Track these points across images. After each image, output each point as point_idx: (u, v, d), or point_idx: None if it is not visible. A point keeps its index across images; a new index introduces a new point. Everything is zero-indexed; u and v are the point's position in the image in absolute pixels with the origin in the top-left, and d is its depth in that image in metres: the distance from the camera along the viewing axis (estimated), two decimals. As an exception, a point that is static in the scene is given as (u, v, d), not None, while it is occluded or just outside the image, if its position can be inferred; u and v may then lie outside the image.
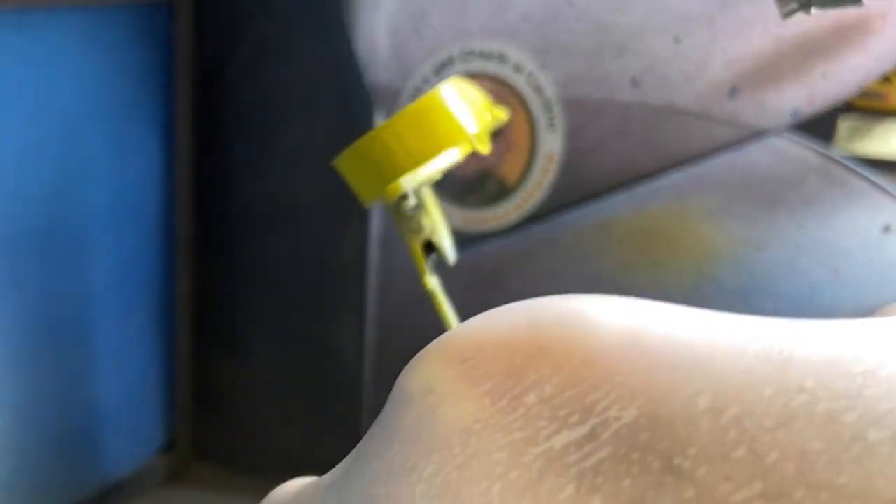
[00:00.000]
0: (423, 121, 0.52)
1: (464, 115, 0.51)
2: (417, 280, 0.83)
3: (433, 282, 0.51)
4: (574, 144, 0.75)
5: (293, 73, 0.81)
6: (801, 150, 0.71)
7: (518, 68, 0.74)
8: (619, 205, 0.75)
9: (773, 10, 0.69)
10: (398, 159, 0.51)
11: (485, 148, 0.52)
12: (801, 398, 0.17)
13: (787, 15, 0.31)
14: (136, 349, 0.84)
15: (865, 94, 0.87)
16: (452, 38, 0.76)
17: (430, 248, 0.52)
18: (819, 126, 0.73)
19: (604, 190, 0.75)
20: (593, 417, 0.19)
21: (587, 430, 0.19)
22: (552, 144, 0.75)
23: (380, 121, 0.79)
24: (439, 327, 0.83)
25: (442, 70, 0.76)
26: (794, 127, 0.71)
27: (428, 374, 0.23)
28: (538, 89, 0.74)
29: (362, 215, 0.81)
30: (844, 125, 1.01)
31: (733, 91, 0.71)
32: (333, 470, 0.24)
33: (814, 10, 0.29)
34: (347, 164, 0.54)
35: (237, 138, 0.85)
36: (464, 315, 0.83)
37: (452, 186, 0.78)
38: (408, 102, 0.78)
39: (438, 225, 0.52)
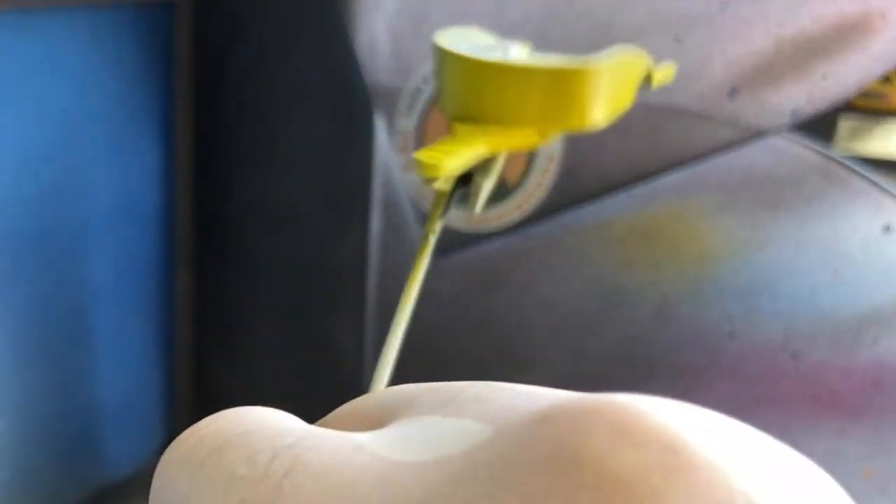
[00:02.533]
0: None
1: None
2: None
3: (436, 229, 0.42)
4: (574, 145, 0.75)
5: (293, 74, 0.81)
6: (801, 151, 0.71)
7: (518, 68, 0.75)
8: (619, 205, 0.75)
9: (774, 11, 0.69)
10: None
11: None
12: None
13: None
14: (135, 349, 0.84)
15: (866, 94, 0.87)
16: (453, 39, 0.76)
17: (463, 181, 0.44)
18: (819, 126, 0.73)
19: (604, 190, 0.75)
20: None
21: None
22: (552, 145, 0.75)
23: (380, 122, 0.79)
24: (439, 326, 0.83)
25: (442, 70, 0.76)
26: (795, 127, 0.71)
27: None
28: (538, 89, 0.74)
29: (362, 215, 0.81)
30: (845, 125, 1.01)
31: (733, 91, 0.71)
32: None
33: None
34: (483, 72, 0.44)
35: (237, 139, 0.85)
36: (461, 316, 0.83)
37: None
38: (411, 103, 0.78)
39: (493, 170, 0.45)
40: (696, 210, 0.73)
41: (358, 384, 0.84)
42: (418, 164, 0.42)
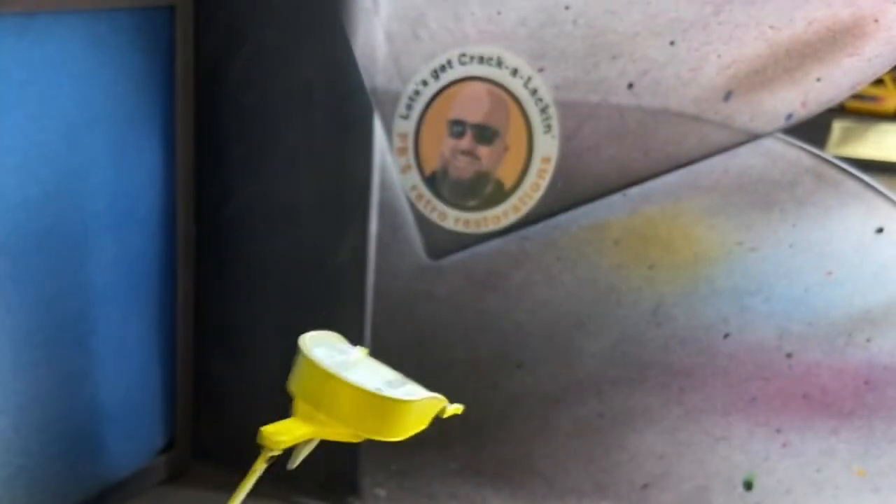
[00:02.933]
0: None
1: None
2: (415, 280, 0.84)
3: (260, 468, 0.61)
4: (570, 147, 0.75)
5: (292, 77, 0.81)
6: (794, 153, 0.72)
7: (515, 72, 0.75)
8: (614, 206, 0.75)
9: (768, 15, 0.69)
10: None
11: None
12: None
13: None
14: (136, 350, 0.85)
15: (859, 96, 0.88)
16: (450, 43, 0.76)
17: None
18: (813, 129, 0.74)
19: (599, 192, 0.76)
20: None
21: None
22: (548, 147, 0.76)
23: (379, 124, 0.79)
24: (436, 327, 0.84)
25: (440, 73, 0.77)
26: (788, 130, 0.72)
27: None
28: (534, 93, 0.75)
29: (361, 217, 0.81)
30: (838, 128, 1.02)
31: (728, 94, 0.71)
32: None
33: None
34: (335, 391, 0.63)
35: (237, 141, 0.85)
36: (457, 316, 0.83)
37: (450, 188, 0.79)
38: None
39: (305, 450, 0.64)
40: (691, 212, 0.74)
41: (356, 384, 0.84)
42: (262, 436, 0.61)
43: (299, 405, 0.64)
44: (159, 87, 0.81)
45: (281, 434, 0.62)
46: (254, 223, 0.86)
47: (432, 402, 0.65)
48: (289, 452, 0.64)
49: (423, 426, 0.65)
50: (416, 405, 0.63)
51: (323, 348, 0.65)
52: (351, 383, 0.61)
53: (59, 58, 0.72)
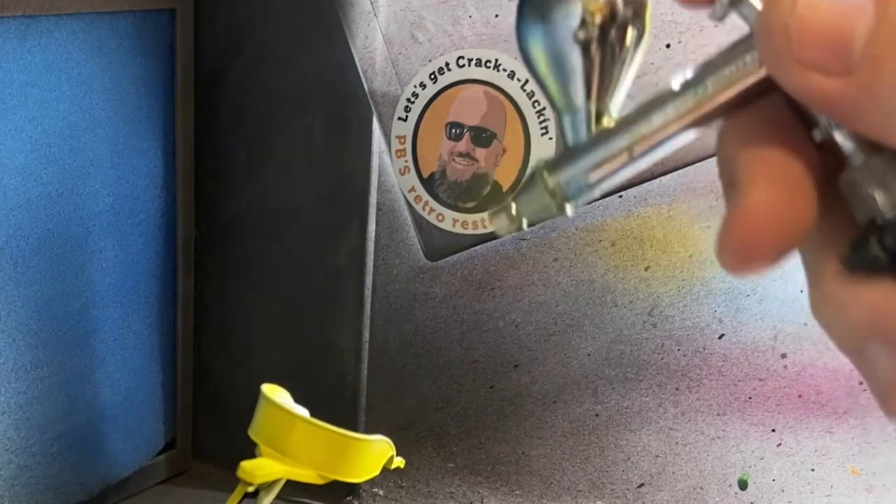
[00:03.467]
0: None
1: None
2: (413, 281, 0.84)
3: None
4: (567, 149, 0.76)
5: (292, 80, 0.82)
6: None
7: (512, 75, 0.76)
8: (610, 208, 0.76)
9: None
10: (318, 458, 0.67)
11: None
12: None
13: (504, 232, 0.27)
14: (137, 350, 0.85)
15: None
16: (448, 46, 0.77)
17: (253, 494, 0.68)
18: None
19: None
20: None
21: None
22: (545, 149, 0.76)
23: (377, 126, 0.80)
24: (434, 328, 0.84)
25: (438, 76, 0.78)
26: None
27: None
28: (531, 96, 0.75)
29: (359, 218, 0.82)
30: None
31: (723, 97, 0.72)
32: None
33: (525, 225, 0.26)
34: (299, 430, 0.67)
35: (237, 143, 0.86)
36: (454, 317, 0.84)
37: (448, 190, 0.80)
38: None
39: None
40: (687, 213, 0.75)
41: (356, 385, 0.85)
42: (241, 470, 0.65)
43: (264, 450, 0.68)
44: (160, 90, 0.82)
45: (258, 469, 0.67)
46: (253, 224, 0.87)
47: (385, 446, 0.69)
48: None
49: (376, 472, 0.70)
50: (375, 445, 0.68)
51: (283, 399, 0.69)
52: (321, 424, 0.67)
53: (60, 61, 0.73)
